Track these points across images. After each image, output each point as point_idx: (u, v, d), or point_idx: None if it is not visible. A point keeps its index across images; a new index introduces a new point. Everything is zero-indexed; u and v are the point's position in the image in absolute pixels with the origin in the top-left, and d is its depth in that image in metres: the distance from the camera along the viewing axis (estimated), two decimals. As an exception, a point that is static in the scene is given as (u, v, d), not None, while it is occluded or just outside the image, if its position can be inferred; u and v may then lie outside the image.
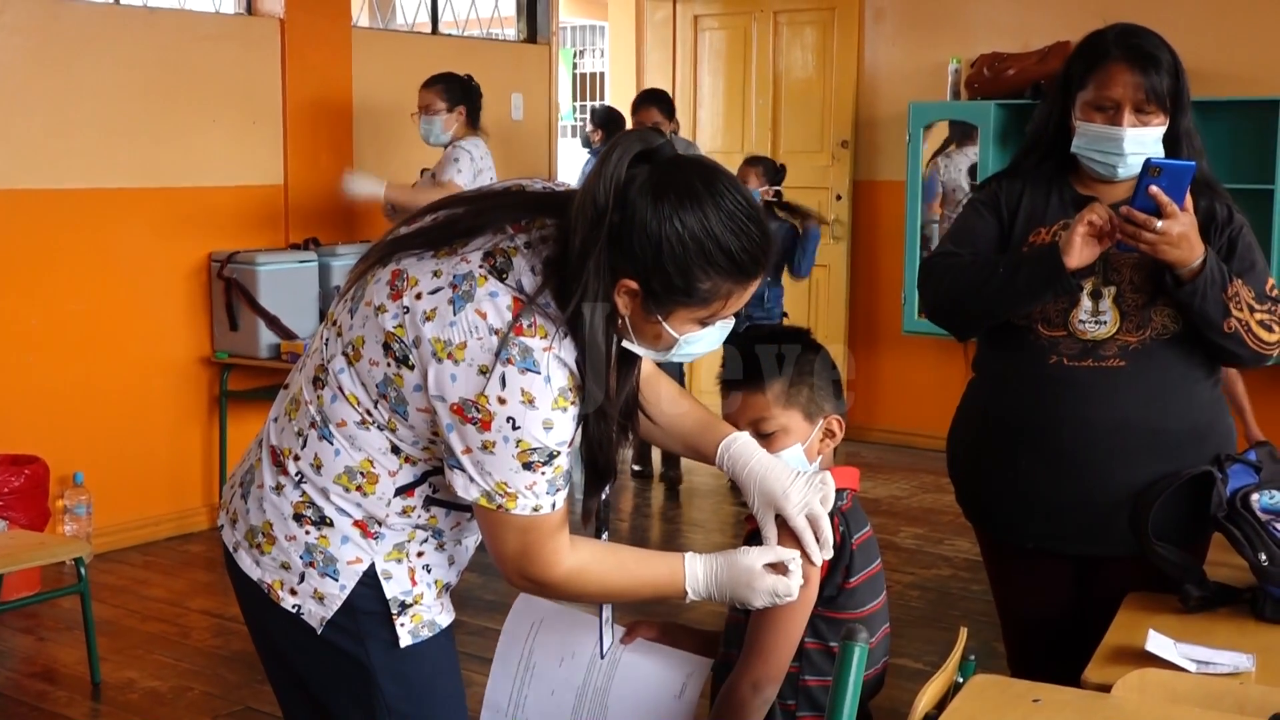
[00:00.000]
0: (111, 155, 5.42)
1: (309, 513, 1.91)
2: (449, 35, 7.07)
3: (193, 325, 5.74)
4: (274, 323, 5.61)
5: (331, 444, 1.89)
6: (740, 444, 2.10)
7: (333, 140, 6.15)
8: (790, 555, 2.02)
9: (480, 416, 1.75)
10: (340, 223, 6.21)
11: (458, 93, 5.61)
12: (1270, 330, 2.54)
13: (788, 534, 2.05)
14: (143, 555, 5.44)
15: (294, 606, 1.93)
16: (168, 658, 4.37)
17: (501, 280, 1.79)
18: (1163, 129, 2.56)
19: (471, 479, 1.80)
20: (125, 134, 5.45)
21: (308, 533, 1.91)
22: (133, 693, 4.09)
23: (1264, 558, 2.40)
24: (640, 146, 1.77)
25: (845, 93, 7.34)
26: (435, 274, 1.81)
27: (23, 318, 5.19)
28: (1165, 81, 2.54)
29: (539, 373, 1.74)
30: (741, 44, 7.68)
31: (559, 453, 1.80)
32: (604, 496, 2.05)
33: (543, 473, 1.80)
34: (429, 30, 7.02)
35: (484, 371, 1.74)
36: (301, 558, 1.92)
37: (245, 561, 1.97)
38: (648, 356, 1.90)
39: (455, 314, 1.77)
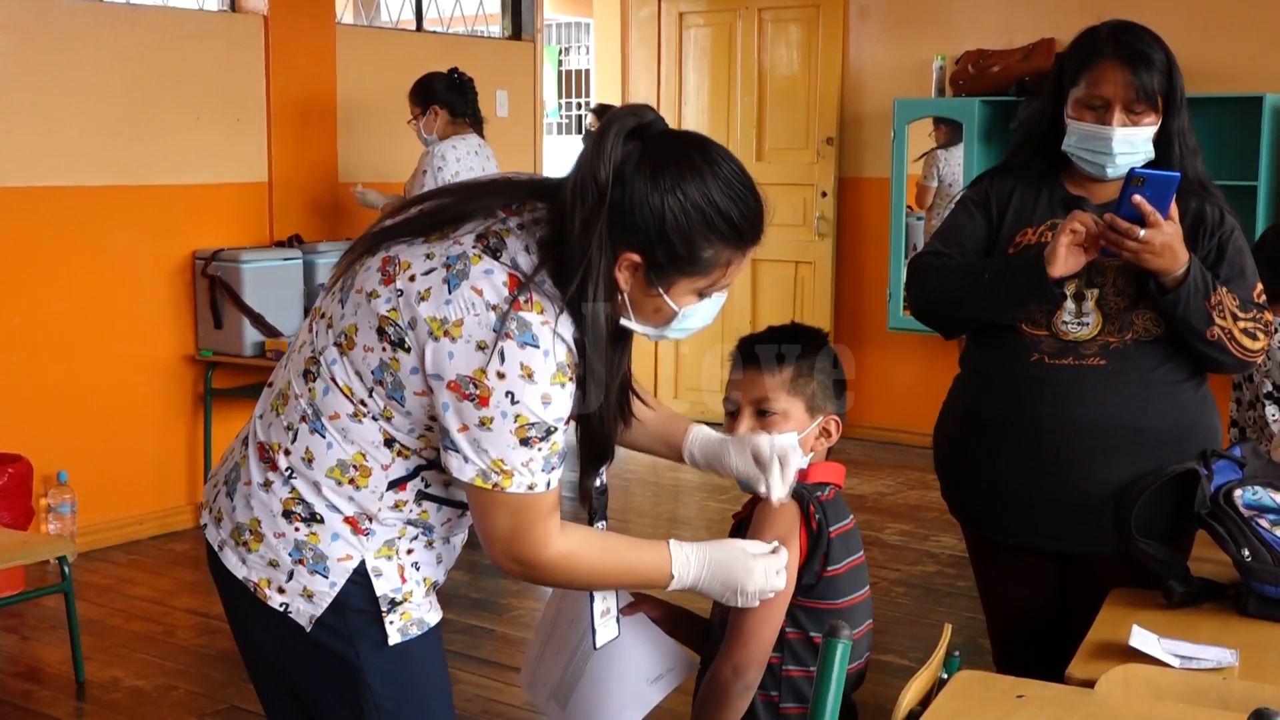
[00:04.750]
0: (95, 153, 5.40)
1: (299, 509, 1.90)
2: (433, 32, 7.06)
3: (177, 323, 5.73)
4: (258, 320, 5.60)
5: (324, 437, 1.88)
6: (707, 429, 2.20)
7: (317, 137, 6.14)
8: (785, 560, 2.06)
9: (478, 393, 1.76)
10: (324, 220, 6.20)
11: (424, 93, 5.59)
12: (1254, 338, 2.54)
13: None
14: (127, 554, 5.43)
15: (281, 605, 1.92)
16: (152, 657, 4.36)
17: (496, 259, 1.80)
18: (1154, 128, 2.56)
19: (467, 458, 1.79)
20: (109, 131, 5.43)
21: (297, 529, 1.90)
22: (117, 692, 4.08)
23: (1247, 553, 2.41)
24: (634, 123, 1.80)
25: (830, 90, 7.34)
26: (428, 256, 1.83)
27: (6, 316, 5.17)
28: (1157, 80, 2.53)
29: (538, 347, 1.75)
30: (726, 41, 7.67)
31: (556, 429, 1.81)
32: (602, 483, 2.05)
33: (539, 449, 1.80)
34: (413, 27, 7.01)
35: (482, 347, 1.75)
36: (290, 555, 1.91)
37: (231, 560, 1.95)
38: (646, 334, 1.92)
39: (451, 292, 1.78)
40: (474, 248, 1.81)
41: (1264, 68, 6.18)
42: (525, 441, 1.78)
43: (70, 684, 4.13)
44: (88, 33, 5.35)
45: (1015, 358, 2.62)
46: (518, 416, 1.76)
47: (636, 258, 1.80)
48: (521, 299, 1.76)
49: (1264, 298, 2.61)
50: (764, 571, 2.02)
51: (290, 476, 1.91)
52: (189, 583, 5.15)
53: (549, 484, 1.83)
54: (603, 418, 1.87)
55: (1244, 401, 3.58)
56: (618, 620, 2.13)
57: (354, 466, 1.88)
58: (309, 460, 1.89)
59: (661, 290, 1.84)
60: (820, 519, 2.13)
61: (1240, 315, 2.52)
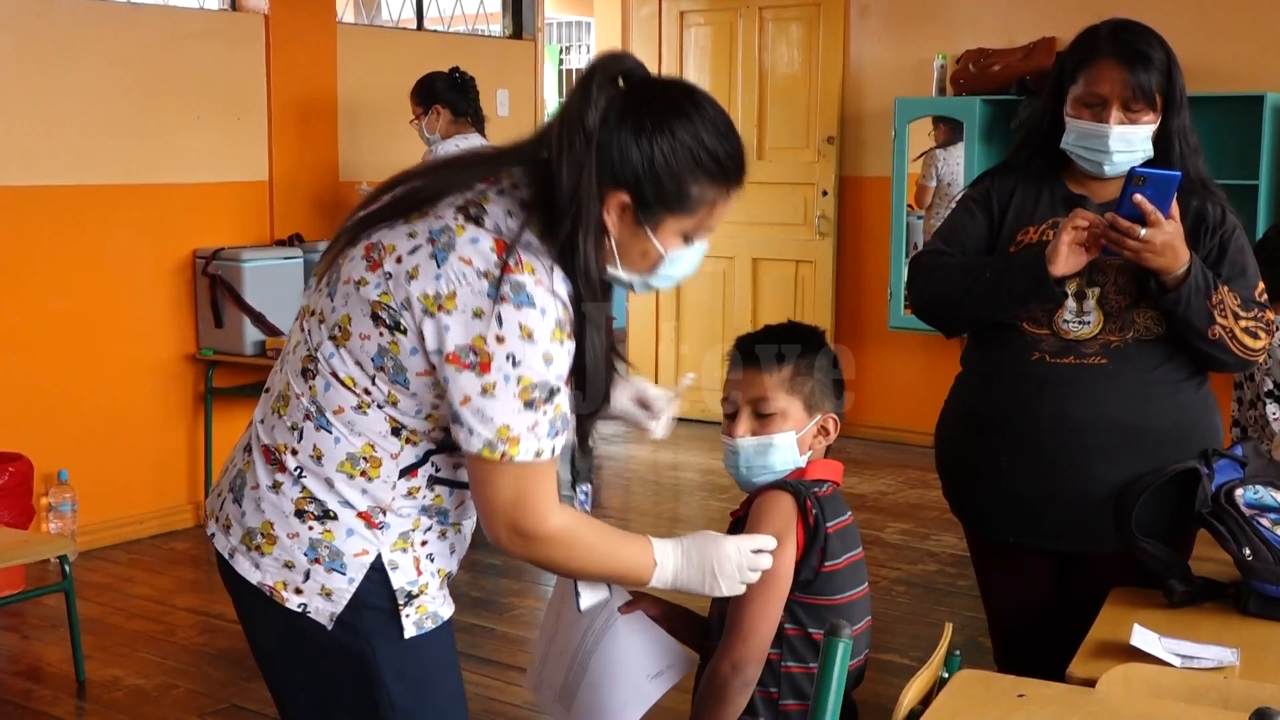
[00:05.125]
0: (96, 152, 5.40)
1: (311, 508, 1.89)
2: (434, 31, 7.06)
3: (177, 322, 5.72)
4: (259, 319, 5.60)
5: (330, 432, 1.88)
6: None
7: (317, 136, 6.14)
8: (767, 542, 2.07)
9: (478, 360, 1.77)
10: (325, 219, 6.19)
11: (426, 93, 5.60)
12: (1256, 337, 2.54)
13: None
14: (127, 553, 5.43)
15: (300, 606, 1.91)
16: (153, 655, 4.36)
17: (480, 226, 1.82)
18: (1152, 127, 2.57)
19: (472, 430, 1.80)
20: (110, 130, 5.43)
21: (311, 528, 1.89)
22: (118, 691, 4.08)
23: (1248, 552, 2.41)
24: (617, 69, 1.85)
25: (831, 89, 7.34)
26: (410, 235, 1.84)
27: (6, 315, 5.17)
28: (1155, 79, 2.53)
29: (535, 306, 1.77)
30: (727, 40, 7.67)
31: (559, 390, 1.82)
32: (590, 446, 2.07)
33: (544, 411, 1.81)
34: (414, 26, 7.01)
35: (479, 315, 1.77)
36: (306, 554, 1.90)
37: (243, 566, 1.94)
38: (632, 284, 1.93)
39: (440, 266, 1.79)
40: (456, 219, 1.83)
41: (1265, 67, 6.18)
42: (529, 404, 1.79)
43: (71, 683, 4.13)
44: (88, 32, 5.35)
45: (1016, 356, 2.62)
46: (520, 378, 1.77)
47: (625, 197, 1.82)
48: (511, 262, 1.78)
49: (1265, 296, 2.61)
50: (736, 548, 2.03)
51: (300, 476, 1.90)
52: (189, 581, 5.15)
53: (554, 450, 1.84)
54: (599, 359, 1.89)
55: (1245, 400, 3.58)
56: (609, 585, 2.13)
57: (364, 459, 1.88)
58: (318, 457, 1.89)
59: (649, 231, 1.86)
60: (817, 514, 2.14)
61: (1241, 314, 2.52)
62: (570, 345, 1.82)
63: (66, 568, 4.04)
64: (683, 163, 1.82)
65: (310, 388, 1.90)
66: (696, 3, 7.75)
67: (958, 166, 6.86)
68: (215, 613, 4.69)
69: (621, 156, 1.81)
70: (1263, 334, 2.56)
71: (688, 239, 1.90)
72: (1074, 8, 6.57)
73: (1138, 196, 2.41)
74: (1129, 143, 2.55)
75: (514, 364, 1.77)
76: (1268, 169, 6.06)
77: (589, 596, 2.10)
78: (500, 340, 1.76)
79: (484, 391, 1.77)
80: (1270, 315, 2.59)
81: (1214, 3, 6.30)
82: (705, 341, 7.63)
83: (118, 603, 4.86)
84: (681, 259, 1.91)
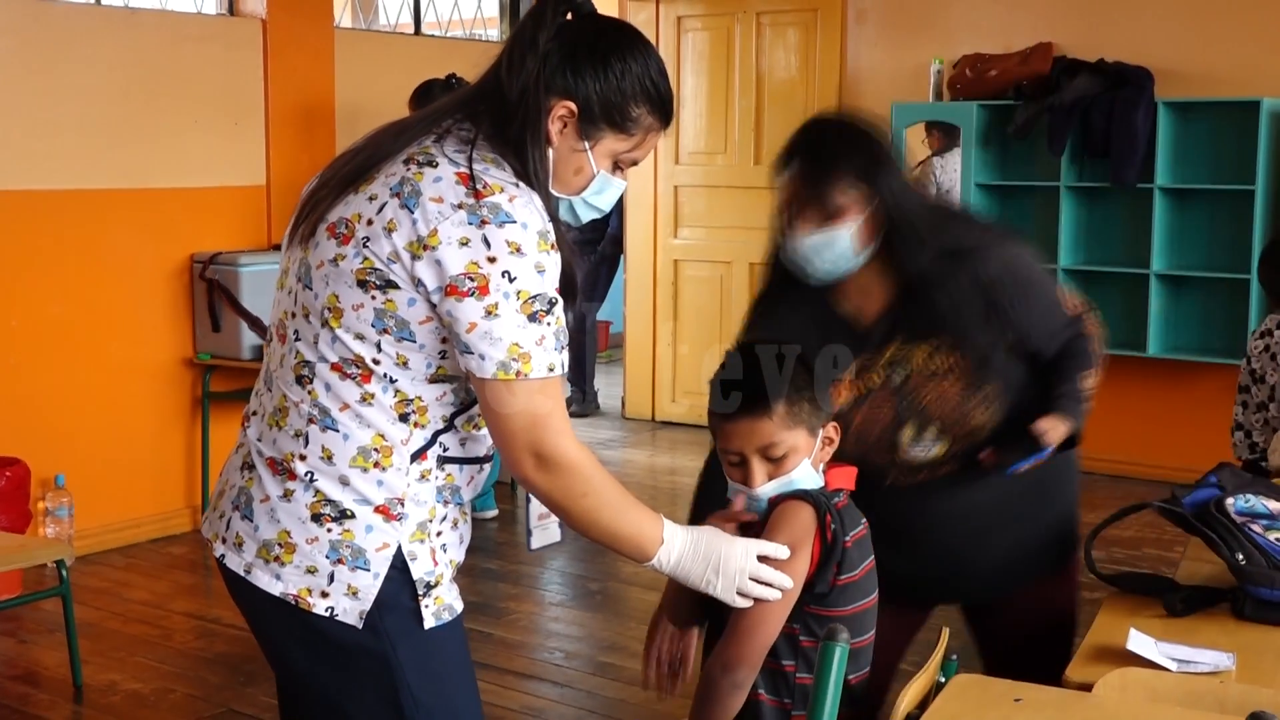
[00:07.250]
0: (93, 156, 5.40)
1: (327, 510, 1.90)
2: (431, 36, 7.07)
3: (175, 326, 5.73)
4: (256, 324, 5.60)
5: (338, 430, 1.90)
6: None
7: (315, 141, 6.14)
8: (778, 550, 2.05)
9: (476, 285, 1.81)
10: (323, 224, 6.19)
11: (424, 100, 5.59)
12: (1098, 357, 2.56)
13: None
14: (124, 557, 5.43)
15: (327, 610, 1.92)
16: (150, 660, 4.36)
17: (435, 168, 1.87)
18: (847, 229, 2.35)
19: (483, 355, 1.83)
20: (107, 135, 5.44)
21: (329, 530, 1.90)
22: (115, 695, 4.08)
23: (1241, 557, 2.42)
24: (568, 6, 1.94)
25: (828, 94, 7.34)
26: (371, 199, 1.88)
27: (4, 319, 5.17)
28: (834, 191, 2.33)
29: (515, 222, 1.83)
30: (724, 45, 7.67)
31: (556, 301, 1.86)
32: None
33: (547, 324, 1.85)
34: (411, 31, 7.01)
35: (465, 243, 1.81)
36: (328, 556, 1.91)
37: (263, 579, 1.94)
38: (558, 206, 1.97)
39: (414, 212, 1.84)
40: (409, 169, 1.88)
41: (1261, 72, 6.18)
42: (533, 317, 1.83)
43: (68, 687, 4.13)
44: (86, 36, 5.35)
45: (870, 485, 2.37)
46: (519, 293, 1.82)
47: (572, 105, 1.91)
48: (479, 187, 1.83)
49: (1073, 299, 2.57)
50: (744, 550, 2.03)
51: (312, 480, 1.91)
52: (186, 586, 5.15)
53: (562, 365, 1.88)
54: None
55: (1251, 404, 3.57)
56: (560, 525, 2.12)
57: (375, 450, 1.90)
58: (328, 457, 1.90)
59: (588, 145, 1.94)
60: (836, 528, 2.09)
61: (1091, 374, 2.50)
62: (556, 255, 1.87)
63: (63, 572, 4.04)
64: (632, 85, 1.93)
65: (310, 392, 1.91)
66: (694, 8, 7.75)
67: (955, 173, 6.87)
68: (212, 617, 4.69)
69: (574, 69, 1.91)
70: (1095, 330, 2.56)
71: (617, 167, 1.99)
72: (1071, 13, 6.59)
73: (1017, 471, 2.43)
74: (825, 249, 2.36)
75: (510, 280, 1.81)
76: (1264, 174, 6.06)
77: (540, 537, 2.09)
78: (492, 260, 1.81)
79: (487, 313, 1.81)
80: (1083, 308, 2.56)
81: (1211, 8, 6.30)
82: (703, 344, 7.63)
83: (115, 607, 4.86)
84: (608, 187, 1.99)
